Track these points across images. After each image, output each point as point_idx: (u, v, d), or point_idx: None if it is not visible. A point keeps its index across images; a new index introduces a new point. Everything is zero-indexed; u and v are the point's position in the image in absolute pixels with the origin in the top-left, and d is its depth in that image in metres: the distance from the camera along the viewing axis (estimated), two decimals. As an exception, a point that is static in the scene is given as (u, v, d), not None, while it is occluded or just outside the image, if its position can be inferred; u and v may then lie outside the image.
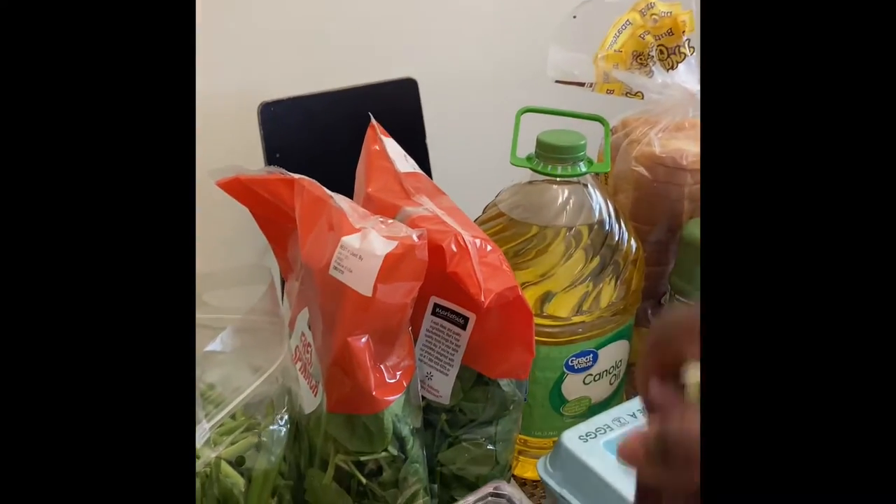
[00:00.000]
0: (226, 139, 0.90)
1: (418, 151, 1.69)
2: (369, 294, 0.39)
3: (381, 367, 0.43)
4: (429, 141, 1.65)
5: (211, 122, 0.70)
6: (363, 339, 0.41)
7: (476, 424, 0.51)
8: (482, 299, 0.43)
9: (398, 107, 1.72)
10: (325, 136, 1.41)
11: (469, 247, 0.46)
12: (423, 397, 0.50)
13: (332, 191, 0.47)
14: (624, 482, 0.45)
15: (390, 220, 0.42)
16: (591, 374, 0.57)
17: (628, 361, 0.61)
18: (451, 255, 0.45)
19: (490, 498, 0.43)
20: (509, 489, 0.43)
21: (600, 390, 0.58)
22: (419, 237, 0.40)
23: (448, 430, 0.51)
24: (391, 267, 0.39)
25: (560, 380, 0.57)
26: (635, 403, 0.52)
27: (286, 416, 0.46)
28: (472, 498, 0.42)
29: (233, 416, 0.48)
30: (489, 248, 0.47)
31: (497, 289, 0.44)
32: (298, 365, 0.48)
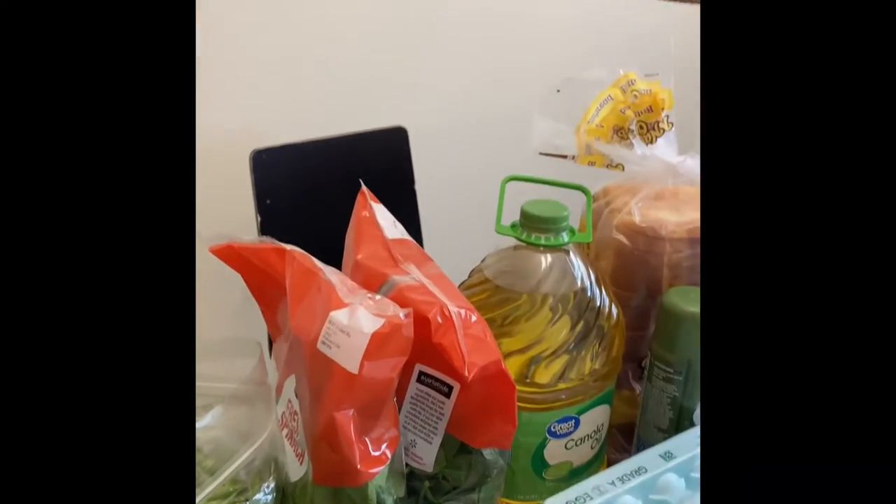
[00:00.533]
0: (217, 185, 0.92)
1: (407, 197, 1.72)
2: (356, 371, 0.40)
3: (366, 439, 0.44)
4: (418, 187, 1.67)
5: (202, 168, 0.72)
6: (349, 413, 0.42)
7: (459, 492, 0.52)
8: (466, 373, 0.44)
9: (388, 154, 1.74)
10: (315, 182, 1.43)
11: (454, 318, 0.47)
12: (407, 464, 0.51)
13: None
14: (603, 553, 0.46)
15: (378, 297, 0.44)
16: (572, 440, 0.58)
17: (610, 424, 0.62)
18: (436, 327, 0.47)
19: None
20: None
21: (582, 454, 0.59)
22: (405, 316, 0.41)
23: (431, 498, 0.52)
24: (378, 345, 0.40)
25: (542, 445, 0.57)
26: (616, 470, 0.53)
27: (272, 485, 0.46)
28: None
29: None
30: (474, 318, 0.49)
31: (481, 362, 0.45)
32: (285, 431, 0.49)
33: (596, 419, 0.59)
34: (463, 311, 0.48)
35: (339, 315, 0.42)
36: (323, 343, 0.42)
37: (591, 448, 0.60)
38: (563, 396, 0.56)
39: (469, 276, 0.60)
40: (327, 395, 0.42)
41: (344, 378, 0.41)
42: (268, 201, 1.53)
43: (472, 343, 0.46)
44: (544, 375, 0.55)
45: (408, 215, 1.60)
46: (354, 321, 0.41)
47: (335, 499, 0.44)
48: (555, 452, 0.58)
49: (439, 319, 0.47)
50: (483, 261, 0.60)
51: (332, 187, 1.12)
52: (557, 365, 0.55)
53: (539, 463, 0.58)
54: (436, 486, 0.52)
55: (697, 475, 0.53)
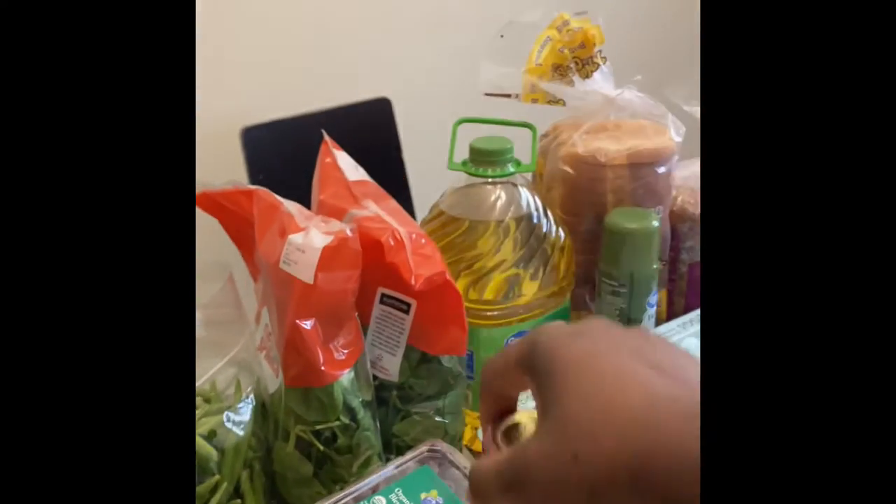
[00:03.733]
0: (210, 163, 0.97)
1: (395, 164, 1.76)
2: (311, 282, 0.46)
3: (330, 346, 0.50)
4: (406, 154, 1.72)
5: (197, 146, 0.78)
6: (310, 322, 0.48)
7: (424, 399, 0.58)
8: (413, 283, 0.50)
9: (374, 124, 1.79)
10: (305, 156, 1.49)
11: (405, 240, 0.53)
12: (376, 377, 0.57)
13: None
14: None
15: (330, 220, 0.50)
16: (530, 352, 0.64)
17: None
18: (388, 248, 0.52)
19: (426, 453, 0.49)
20: (444, 446, 0.50)
21: (541, 367, 0.65)
22: (352, 231, 0.47)
23: (399, 405, 0.58)
24: (329, 257, 0.46)
25: (502, 358, 0.63)
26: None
27: (252, 395, 0.52)
28: (409, 455, 0.49)
29: (207, 400, 0.55)
30: (424, 241, 0.54)
31: (427, 274, 0.51)
32: (263, 353, 0.55)
33: (552, 334, 0.65)
34: (414, 234, 0.54)
35: (295, 237, 0.48)
36: (283, 262, 0.48)
37: (550, 361, 0.66)
38: (519, 312, 0.62)
39: (429, 212, 0.66)
40: (290, 306, 0.48)
41: (302, 289, 0.47)
42: (261, 176, 1.59)
43: (420, 260, 0.52)
44: (494, 292, 0.60)
45: (396, 180, 1.66)
46: (308, 240, 0.47)
47: (305, 398, 0.50)
48: (515, 365, 0.64)
49: (391, 242, 0.53)
50: (440, 197, 0.66)
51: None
52: (506, 282, 0.61)
53: (501, 375, 0.64)
54: (403, 395, 0.58)
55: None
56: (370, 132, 1.63)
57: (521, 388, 0.31)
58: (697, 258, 0.73)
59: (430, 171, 1.00)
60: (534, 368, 0.28)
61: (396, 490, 0.46)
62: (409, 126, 1.69)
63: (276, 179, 1.43)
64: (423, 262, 0.52)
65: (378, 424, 0.56)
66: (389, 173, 1.67)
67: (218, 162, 1.35)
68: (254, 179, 1.56)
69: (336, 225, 0.48)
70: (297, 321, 0.48)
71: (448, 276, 0.52)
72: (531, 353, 0.29)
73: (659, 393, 0.25)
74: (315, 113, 1.57)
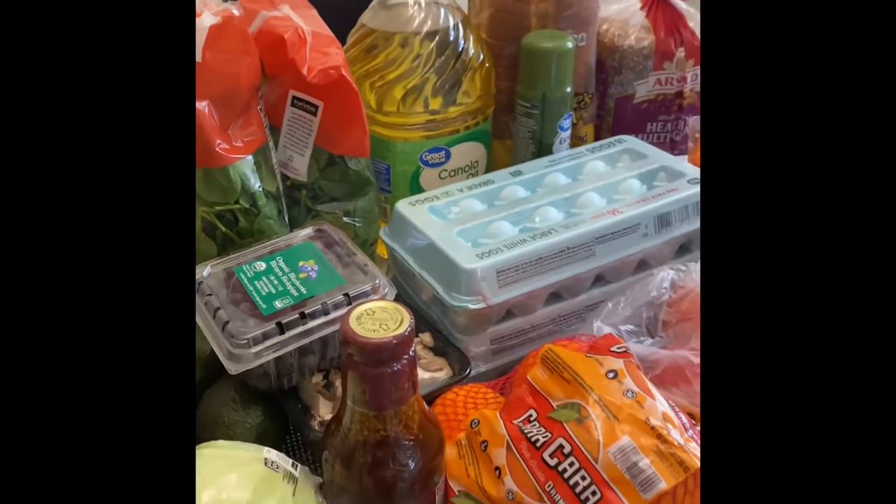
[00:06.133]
0: None
1: None
2: (200, 59, 0.49)
3: (228, 132, 0.53)
4: None
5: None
6: (203, 104, 0.51)
7: (333, 200, 0.62)
8: (306, 74, 0.52)
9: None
10: None
11: (307, 37, 0.55)
12: (287, 177, 0.61)
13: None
14: (438, 234, 0.55)
15: (225, 7, 0.51)
16: (445, 170, 0.67)
17: (487, 167, 0.70)
18: (291, 44, 0.55)
19: (313, 233, 0.53)
20: (330, 228, 0.54)
21: (456, 185, 0.68)
22: (238, 10, 0.49)
23: (310, 205, 0.62)
24: (215, 35, 0.49)
25: (417, 173, 0.66)
26: (467, 182, 0.61)
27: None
28: (297, 232, 0.53)
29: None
30: (329, 42, 0.56)
31: (321, 66, 0.53)
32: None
33: (468, 154, 0.68)
34: (324, 35, 0.56)
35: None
36: (180, 45, 0.50)
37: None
38: (433, 127, 0.64)
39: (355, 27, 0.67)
40: (185, 87, 0.51)
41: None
42: None
43: (319, 56, 0.54)
44: (414, 105, 0.63)
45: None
46: (199, 21, 0.49)
47: (206, 179, 0.54)
48: (430, 180, 0.67)
49: (295, 39, 0.55)
50: (364, 11, 0.67)
51: None
52: (420, 95, 0.63)
53: (416, 189, 0.67)
54: (313, 195, 0.62)
55: (542, 190, 0.61)
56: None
57: None
58: (626, 93, 0.74)
59: None
60: None
61: (278, 258, 0.50)
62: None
63: None
64: (321, 58, 0.54)
65: (286, 220, 0.60)
66: None
67: None
68: None
69: (227, 9, 0.50)
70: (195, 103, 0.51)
71: (344, 73, 0.54)
72: None
73: None
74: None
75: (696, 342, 0.53)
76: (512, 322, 0.55)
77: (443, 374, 0.51)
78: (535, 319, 0.56)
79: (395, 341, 0.35)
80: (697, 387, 0.49)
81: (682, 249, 0.61)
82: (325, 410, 0.48)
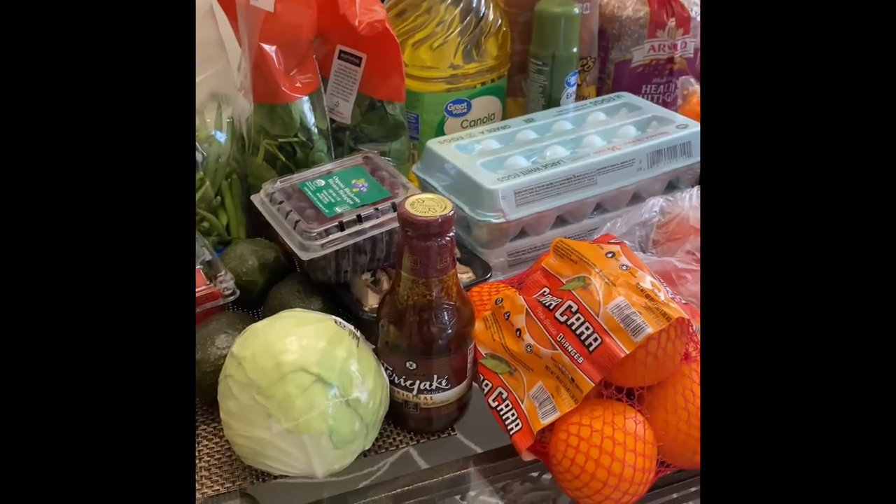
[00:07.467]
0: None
1: None
2: (272, 9, 0.59)
3: (290, 75, 0.64)
4: None
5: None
6: (272, 48, 0.61)
7: (371, 140, 0.72)
8: (357, 26, 0.63)
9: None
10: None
11: (357, -3, 0.65)
12: (333, 120, 0.71)
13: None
14: (465, 163, 0.65)
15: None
16: (467, 120, 0.77)
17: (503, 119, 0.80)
18: (342, 2, 0.65)
19: (361, 160, 0.63)
20: (377, 157, 0.64)
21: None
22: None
23: (352, 145, 0.72)
24: (286, -8, 0.59)
25: (442, 122, 0.77)
26: (486, 127, 0.72)
27: (231, 117, 0.66)
28: (347, 158, 0.63)
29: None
30: (377, 4, 0.67)
31: (368, 20, 0.63)
32: (242, 92, 0.69)
33: (487, 107, 0.78)
34: (369, -4, 0.67)
35: (263, -21, 0.60)
36: (253, 1, 0.61)
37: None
38: (456, 81, 0.74)
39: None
40: (256, 33, 0.61)
41: (266, 18, 0.60)
42: None
43: (366, 11, 0.65)
44: (439, 60, 0.73)
45: None
46: (272, -20, 0.59)
47: (270, 113, 0.64)
48: (453, 128, 0.77)
49: (346, -2, 0.65)
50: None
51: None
52: (446, 53, 0.73)
53: (441, 135, 0.77)
54: (355, 136, 0.72)
55: (551, 133, 0.71)
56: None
57: None
58: (624, 57, 0.84)
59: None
60: None
61: (334, 177, 0.61)
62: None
63: None
64: (367, 13, 0.64)
65: (333, 155, 0.70)
66: None
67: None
68: None
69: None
70: (262, 45, 0.61)
71: (388, 26, 0.64)
72: None
73: None
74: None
75: (680, 254, 0.63)
76: (525, 240, 0.65)
77: (468, 277, 0.61)
78: (545, 239, 0.66)
79: (440, 219, 0.46)
80: (681, 287, 0.59)
81: (670, 186, 0.71)
82: (372, 301, 0.58)
